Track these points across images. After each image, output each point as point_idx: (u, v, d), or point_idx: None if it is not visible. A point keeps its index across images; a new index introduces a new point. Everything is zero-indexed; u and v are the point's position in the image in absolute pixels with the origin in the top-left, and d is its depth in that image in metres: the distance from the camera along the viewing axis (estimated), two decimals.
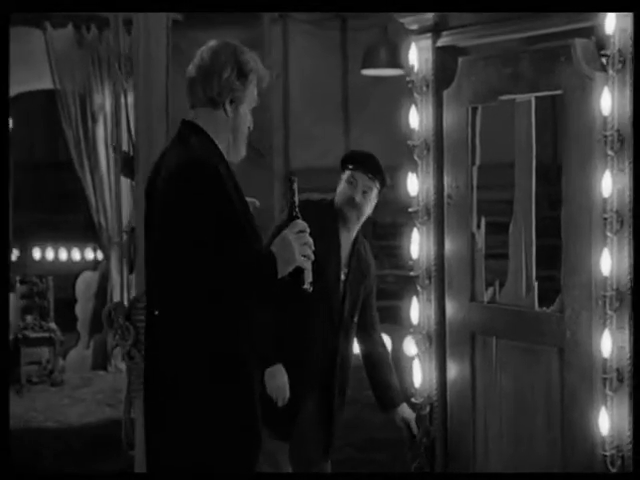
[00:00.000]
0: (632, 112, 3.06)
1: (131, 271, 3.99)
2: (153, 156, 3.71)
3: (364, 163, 3.94)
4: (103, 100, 8.27)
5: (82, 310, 8.63)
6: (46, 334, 8.03)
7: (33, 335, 7.97)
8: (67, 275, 9.21)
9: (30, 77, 8.27)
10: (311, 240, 2.84)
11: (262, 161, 10.41)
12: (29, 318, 8.05)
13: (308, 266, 2.84)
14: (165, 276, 2.79)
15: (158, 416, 2.83)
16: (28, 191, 11.09)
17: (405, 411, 3.97)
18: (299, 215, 2.86)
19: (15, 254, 10.87)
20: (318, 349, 3.88)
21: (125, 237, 3.98)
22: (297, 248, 2.80)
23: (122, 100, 3.96)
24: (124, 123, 3.96)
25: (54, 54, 8.30)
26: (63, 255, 12.11)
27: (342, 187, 3.95)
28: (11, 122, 7.21)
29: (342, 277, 3.94)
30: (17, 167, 9.44)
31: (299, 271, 2.82)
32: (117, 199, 4.53)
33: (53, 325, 8.15)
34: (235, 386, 2.79)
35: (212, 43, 2.94)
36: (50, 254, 12.14)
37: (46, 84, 8.50)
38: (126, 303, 3.93)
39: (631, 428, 3.08)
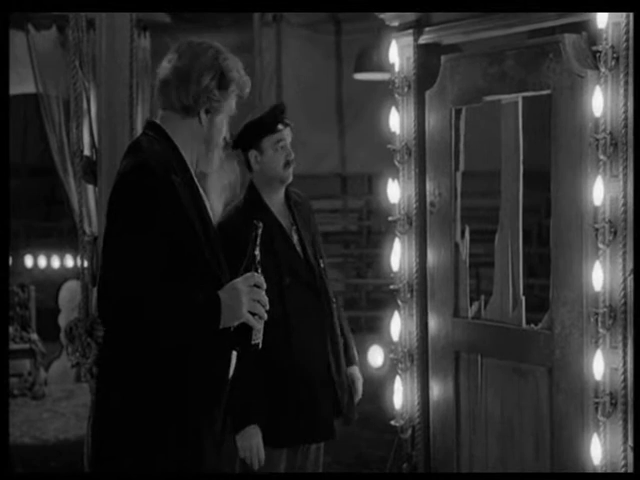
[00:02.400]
0: (633, 112, 2.83)
1: (94, 284, 3.78)
2: (116, 161, 3.53)
3: (277, 118, 3.56)
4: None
5: (66, 320, 8.41)
6: (27, 345, 7.83)
7: (14, 347, 7.75)
8: (58, 284, 9.02)
9: (12, 81, 8.06)
10: (266, 299, 2.55)
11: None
12: (10, 329, 7.83)
13: (257, 325, 2.54)
14: (106, 288, 2.52)
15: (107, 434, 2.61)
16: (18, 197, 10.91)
17: (355, 373, 3.73)
18: (259, 268, 2.56)
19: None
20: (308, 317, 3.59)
21: (88, 247, 3.77)
22: (246, 303, 2.51)
23: (84, 102, 3.74)
24: (86, 126, 3.75)
25: (37, 57, 8.09)
26: (55, 263, 11.92)
27: (269, 157, 3.54)
28: None
29: (294, 238, 3.63)
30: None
31: (246, 328, 2.53)
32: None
33: (34, 336, 7.96)
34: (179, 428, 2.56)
35: (192, 42, 2.67)
36: (42, 261, 11.96)
37: (29, 88, 8.30)
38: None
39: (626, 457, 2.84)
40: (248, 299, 2.51)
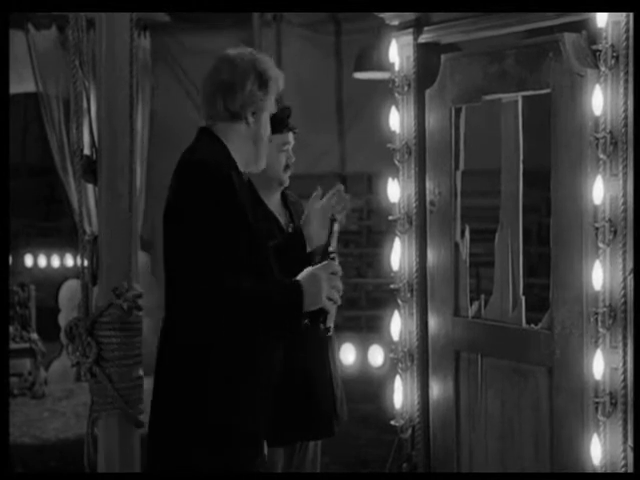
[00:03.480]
0: (633, 111, 2.82)
1: (94, 283, 3.76)
2: (116, 160, 3.52)
3: (285, 120, 3.62)
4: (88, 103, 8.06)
5: (66, 320, 8.40)
6: (27, 345, 7.82)
7: (14, 346, 7.74)
8: (58, 283, 9.01)
9: (12, 80, 8.05)
10: (341, 285, 2.75)
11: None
12: (10, 328, 7.82)
13: (332, 310, 2.75)
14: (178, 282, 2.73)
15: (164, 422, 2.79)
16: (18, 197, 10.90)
17: None
18: (335, 257, 2.78)
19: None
20: None
21: (88, 246, 3.75)
22: (325, 289, 2.71)
23: (84, 102, 3.73)
24: (86, 126, 3.74)
25: (37, 56, 8.09)
26: (55, 262, 11.91)
27: (271, 156, 3.45)
28: None
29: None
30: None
31: (323, 313, 2.72)
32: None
33: (34, 335, 7.95)
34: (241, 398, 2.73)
35: (227, 54, 2.90)
36: (42, 261, 11.95)
37: (29, 87, 8.30)
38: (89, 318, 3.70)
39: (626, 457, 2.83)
40: (327, 285, 2.70)
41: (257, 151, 2.90)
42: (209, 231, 2.64)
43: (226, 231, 2.64)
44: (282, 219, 3.64)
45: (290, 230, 3.65)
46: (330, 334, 2.82)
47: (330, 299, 2.72)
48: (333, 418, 3.65)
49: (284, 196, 3.71)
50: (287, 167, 3.62)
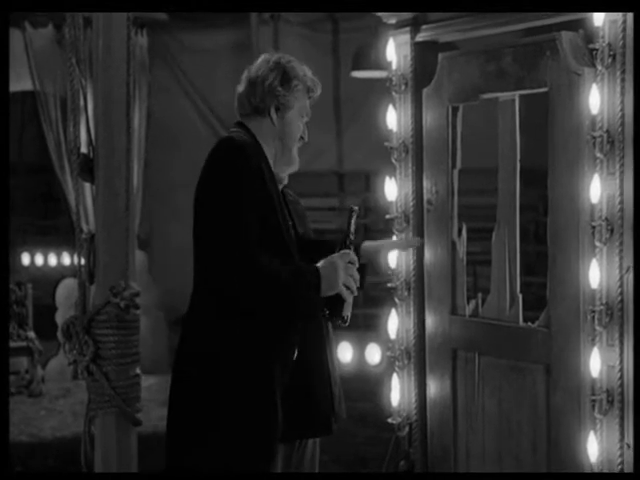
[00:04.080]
0: (630, 110, 2.82)
1: (91, 282, 3.76)
2: (113, 158, 3.52)
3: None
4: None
5: (63, 318, 8.39)
6: (24, 343, 7.80)
7: (11, 344, 7.72)
8: (55, 282, 8.99)
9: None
10: (357, 275, 2.82)
11: None
12: None
13: (349, 299, 2.81)
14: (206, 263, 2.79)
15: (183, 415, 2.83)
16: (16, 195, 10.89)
17: None
18: (352, 247, 2.85)
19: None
20: None
21: (85, 245, 3.75)
22: (342, 277, 2.78)
23: (81, 100, 3.72)
24: (83, 124, 3.73)
25: (34, 54, 8.07)
26: (52, 260, 11.89)
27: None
28: None
29: (292, 234, 3.67)
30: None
31: (338, 300, 2.80)
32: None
33: (32, 334, 7.93)
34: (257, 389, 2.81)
35: (264, 57, 2.97)
36: (39, 259, 11.93)
37: (26, 86, 8.28)
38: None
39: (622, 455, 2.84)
40: (344, 273, 2.77)
41: (284, 151, 2.93)
42: (239, 209, 2.73)
43: (255, 211, 2.74)
44: None
45: (290, 228, 3.66)
46: (347, 324, 2.86)
47: (347, 287, 2.79)
48: (331, 416, 3.65)
49: (283, 194, 3.70)
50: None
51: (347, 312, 2.84)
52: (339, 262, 2.79)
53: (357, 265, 2.83)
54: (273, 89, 2.89)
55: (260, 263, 2.70)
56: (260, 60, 2.97)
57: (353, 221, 2.87)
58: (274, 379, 2.84)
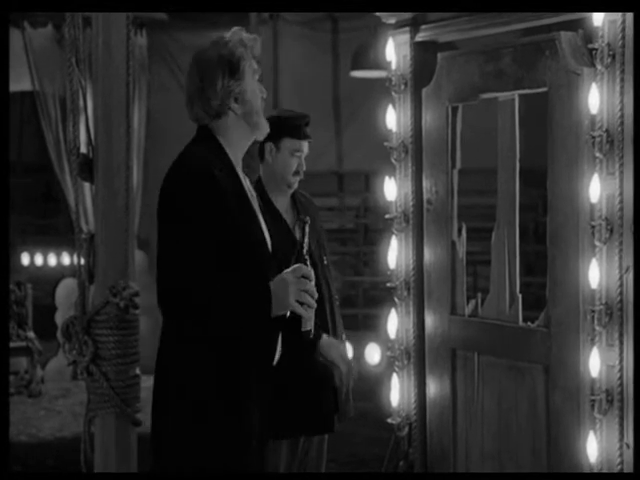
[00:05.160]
0: (630, 110, 2.82)
1: (91, 281, 3.75)
2: (112, 158, 3.52)
3: (302, 128, 3.64)
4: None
5: (62, 318, 8.38)
6: (24, 343, 7.80)
7: (11, 344, 7.71)
8: (55, 281, 8.99)
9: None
10: (313, 289, 2.72)
11: (253, 165, 10.24)
12: None
13: (306, 313, 2.71)
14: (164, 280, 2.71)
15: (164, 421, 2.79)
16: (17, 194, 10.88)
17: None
18: (307, 260, 2.76)
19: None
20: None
21: (84, 244, 3.74)
22: (293, 293, 2.67)
23: (80, 100, 3.72)
24: (83, 124, 3.73)
25: (33, 54, 8.07)
26: (52, 260, 11.88)
27: (283, 159, 3.60)
28: None
29: (298, 236, 3.68)
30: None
31: (297, 316, 2.72)
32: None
33: (31, 334, 7.93)
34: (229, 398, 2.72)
35: (194, 55, 2.85)
36: (39, 259, 11.92)
37: (25, 85, 8.28)
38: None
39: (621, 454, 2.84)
40: (295, 289, 2.67)
41: (253, 124, 2.83)
42: (185, 232, 2.65)
43: (202, 232, 2.64)
44: (289, 218, 3.66)
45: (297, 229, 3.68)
46: (311, 337, 2.77)
47: (301, 302, 2.68)
48: (333, 414, 3.65)
49: (293, 195, 3.73)
50: (297, 173, 3.65)
51: (307, 327, 2.74)
52: (289, 278, 2.68)
53: (312, 278, 2.71)
54: (227, 88, 2.77)
55: (192, 293, 2.61)
56: (195, 62, 2.84)
57: (306, 232, 2.78)
58: (249, 386, 2.75)
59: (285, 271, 2.70)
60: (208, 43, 2.85)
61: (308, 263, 2.75)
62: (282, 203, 3.68)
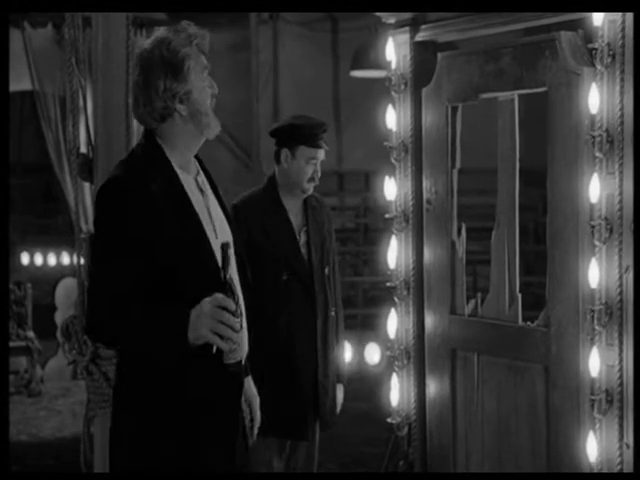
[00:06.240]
0: (629, 109, 2.82)
1: None
2: (112, 158, 3.52)
3: (318, 136, 3.64)
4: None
5: (62, 318, 8.38)
6: (23, 343, 7.79)
7: (10, 344, 7.70)
8: (54, 281, 8.98)
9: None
10: (232, 321, 2.46)
11: (252, 165, 10.24)
12: None
13: (224, 345, 2.46)
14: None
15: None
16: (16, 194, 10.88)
17: (338, 393, 3.73)
18: (229, 290, 2.48)
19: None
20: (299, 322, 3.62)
21: (84, 244, 3.76)
22: (208, 323, 2.45)
23: (80, 100, 3.73)
24: (82, 124, 3.74)
25: (33, 54, 8.06)
26: (52, 260, 11.88)
27: (299, 166, 3.61)
28: None
29: (302, 239, 3.69)
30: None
31: (210, 347, 2.48)
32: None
33: (31, 333, 7.92)
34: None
35: (140, 53, 2.63)
36: (39, 259, 11.92)
37: (25, 85, 8.27)
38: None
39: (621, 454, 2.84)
40: (210, 319, 2.45)
41: (201, 125, 2.61)
42: (106, 254, 2.54)
43: (120, 255, 2.51)
44: (295, 221, 3.68)
45: (303, 233, 3.68)
46: (234, 370, 2.55)
47: (217, 334, 2.45)
48: (309, 422, 3.63)
49: (305, 200, 3.74)
50: (312, 179, 3.66)
51: (230, 359, 2.50)
52: (205, 307, 2.46)
53: (231, 308, 2.45)
54: (171, 90, 2.58)
55: (105, 325, 2.52)
56: (138, 60, 2.64)
57: (228, 258, 2.46)
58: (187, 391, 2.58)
59: (205, 299, 2.47)
60: (152, 40, 2.61)
61: (235, 291, 2.49)
62: (293, 205, 3.70)
